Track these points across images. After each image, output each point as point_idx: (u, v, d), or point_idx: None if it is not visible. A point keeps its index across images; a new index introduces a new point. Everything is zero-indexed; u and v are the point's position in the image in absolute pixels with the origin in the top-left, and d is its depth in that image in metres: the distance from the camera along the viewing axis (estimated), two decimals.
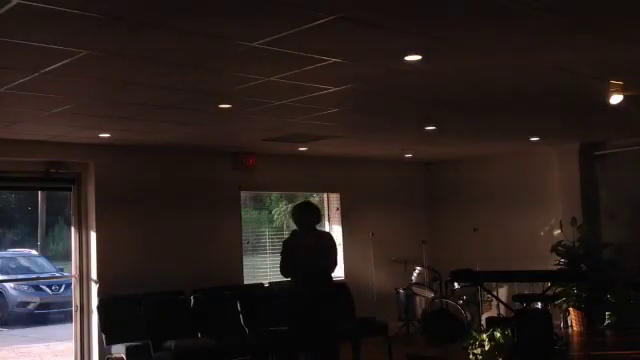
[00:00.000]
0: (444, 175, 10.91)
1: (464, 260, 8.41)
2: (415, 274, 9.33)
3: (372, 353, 8.04)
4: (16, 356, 9.84)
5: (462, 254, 9.38)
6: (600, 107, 6.25)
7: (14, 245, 14.02)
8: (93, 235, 7.73)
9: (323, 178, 9.80)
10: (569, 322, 7.36)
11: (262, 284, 8.79)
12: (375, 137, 8.15)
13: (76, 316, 7.75)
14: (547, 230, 9.36)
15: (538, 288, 7.55)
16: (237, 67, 4.58)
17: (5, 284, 12.48)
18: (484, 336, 4.41)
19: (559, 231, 8.25)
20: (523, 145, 9.19)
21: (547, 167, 9.56)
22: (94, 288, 7.67)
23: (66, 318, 9.76)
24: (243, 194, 9.15)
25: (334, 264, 6.41)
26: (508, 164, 10.05)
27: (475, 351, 4.39)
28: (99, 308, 7.46)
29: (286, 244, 6.36)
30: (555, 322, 5.57)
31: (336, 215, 10.09)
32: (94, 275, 7.68)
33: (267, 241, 9.59)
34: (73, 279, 7.84)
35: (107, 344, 7.29)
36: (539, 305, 6.88)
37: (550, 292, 6.54)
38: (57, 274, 12.46)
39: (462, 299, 8.70)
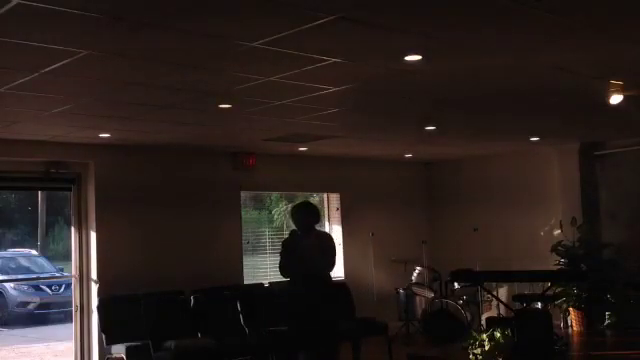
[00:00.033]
0: (444, 175, 10.91)
1: (464, 260, 8.41)
2: (415, 274, 9.33)
3: (372, 353, 8.04)
4: (16, 356, 9.84)
5: (462, 254, 9.38)
6: (600, 107, 6.25)
7: (14, 245, 14.02)
8: (93, 235, 7.73)
9: (323, 178, 9.80)
10: (569, 322, 7.36)
11: (262, 284, 8.79)
12: (375, 137, 8.15)
13: (76, 316, 7.75)
14: (547, 230, 9.36)
15: (538, 288, 7.55)
16: (237, 67, 4.58)
17: (5, 284, 12.48)
18: (484, 336, 4.41)
19: (559, 231, 8.25)
20: (523, 145, 9.19)
21: (547, 167, 9.56)
22: (94, 288, 7.67)
23: (66, 318, 9.76)
24: (243, 194, 9.15)
25: (332, 264, 6.42)
26: (508, 164, 10.05)
27: (475, 351, 4.39)
28: (99, 308, 7.46)
29: (285, 244, 6.36)
30: (555, 322, 5.57)
31: (336, 215, 10.09)
32: (94, 275, 7.68)
33: (267, 241, 9.59)
34: (73, 279, 7.84)
35: (107, 344, 7.29)
36: (539, 305, 6.88)
37: (550, 292, 6.53)
38: (57, 274, 12.46)
39: (462, 299, 8.70)
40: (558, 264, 8.01)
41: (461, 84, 5.39)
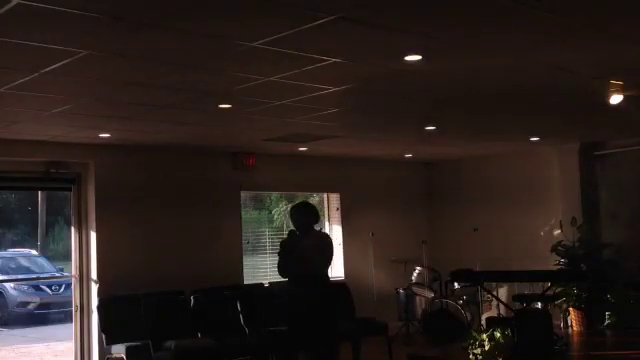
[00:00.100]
0: (444, 175, 10.91)
1: (464, 260, 8.41)
2: (415, 274, 9.33)
3: (372, 353, 8.04)
4: (16, 356, 9.84)
5: (462, 254, 9.38)
6: (600, 107, 6.25)
7: (14, 245, 14.02)
8: (93, 235, 7.73)
9: (323, 178, 9.80)
10: (569, 322, 7.35)
11: (262, 284, 8.79)
12: (375, 137, 8.15)
13: (76, 316, 7.75)
14: (547, 230, 9.36)
15: (538, 288, 7.54)
16: (237, 67, 4.58)
17: (5, 284, 12.48)
18: (484, 336, 4.41)
19: (559, 231, 8.24)
20: (523, 145, 9.19)
21: (547, 167, 9.56)
22: (94, 288, 7.67)
23: (66, 318, 9.76)
24: (243, 194, 9.15)
25: (328, 263, 6.42)
26: (508, 164, 10.05)
27: (475, 351, 4.39)
28: (99, 308, 7.46)
29: (283, 244, 6.35)
30: (555, 322, 5.56)
31: (336, 215, 10.08)
32: (94, 275, 7.68)
33: (267, 241, 9.59)
34: (73, 279, 7.84)
35: (107, 344, 7.29)
36: (539, 305, 6.87)
37: (550, 292, 6.52)
38: (57, 274, 12.46)
39: (462, 299, 8.70)
40: (558, 264, 8.00)
41: (461, 84, 5.39)
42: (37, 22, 3.50)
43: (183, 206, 8.30)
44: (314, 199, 10.20)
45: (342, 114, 6.43)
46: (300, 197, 9.83)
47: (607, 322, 6.81)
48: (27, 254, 13.40)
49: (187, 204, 8.34)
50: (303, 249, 6.20)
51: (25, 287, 12.44)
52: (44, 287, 12.24)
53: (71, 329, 7.85)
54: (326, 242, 6.46)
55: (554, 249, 8.07)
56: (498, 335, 4.35)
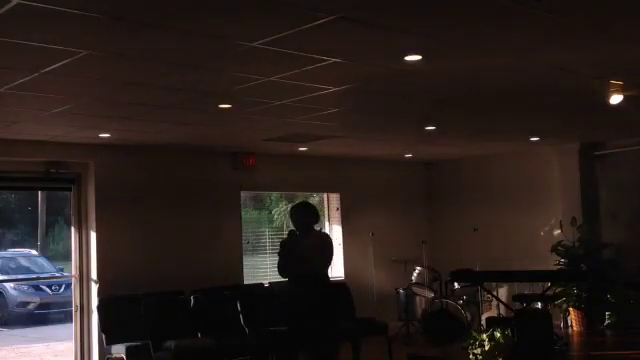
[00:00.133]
0: (444, 175, 10.91)
1: (464, 260, 8.41)
2: (415, 274, 9.33)
3: (372, 353, 8.04)
4: (16, 356, 9.84)
5: (462, 254, 9.38)
6: (600, 107, 6.25)
7: (14, 245, 14.02)
8: (93, 235, 7.73)
9: (323, 178, 9.80)
10: (569, 322, 7.35)
11: (262, 284, 8.79)
12: (375, 137, 8.15)
13: (76, 316, 7.75)
14: (547, 230, 9.36)
15: (538, 288, 7.54)
16: (237, 67, 4.58)
17: (5, 284, 12.48)
18: (484, 336, 4.41)
19: (559, 231, 8.24)
20: (523, 145, 9.19)
21: (547, 167, 9.56)
22: (94, 288, 7.67)
23: (66, 318, 9.76)
24: (243, 194, 9.15)
25: (328, 263, 6.42)
26: (508, 164, 10.05)
27: (475, 351, 4.39)
28: (99, 308, 7.46)
29: (283, 244, 6.35)
30: (555, 322, 5.56)
31: (336, 215, 10.09)
32: (94, 275, 7.68)
33: (267, 241, 9.59)
34: (73, 279, 7.84)
35: (107, 344, 7.29)
36: (539, 305, 6.87)
37: (550, 292, 6.52)
38: (57, 274, 12.46)
39: (462, 299, 8.70)
40: (558, 264, 8.01)
41: (461, 84, 5.39)
42: (37, 22, 3.50)
43: (183, 206, 8.30)
44: (314, 199, 10.20)
45: (342, 114, 6.43)
46: (300, 197, 9.83)
47: (607, 322, 6.81)
48: (27, 254, 13.40)
49: (187, 204, 8.34)
50: (303, 249, 6.20)
51: (25, 287, 12.44)
52: (44, 287, 12.24)
53: (71, 329, 7.85)
54: (326, 242, 6.46)
55: (554, 249, 8.07)
56: (498, 335, 4.35)
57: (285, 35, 3.81)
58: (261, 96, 5.47)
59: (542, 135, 8.42)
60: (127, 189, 7.90)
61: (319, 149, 8.82)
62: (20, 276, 12.71)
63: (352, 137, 8.00)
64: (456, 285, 8.80)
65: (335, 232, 9.99)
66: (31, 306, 12.33)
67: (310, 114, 6.33)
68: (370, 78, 5.00)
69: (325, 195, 10.19)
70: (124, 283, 7.56)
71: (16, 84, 4.74)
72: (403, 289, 9.38)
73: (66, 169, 7.70)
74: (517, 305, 6.55)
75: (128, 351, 7.05)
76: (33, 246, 13.99)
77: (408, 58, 4.41)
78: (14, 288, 12.43)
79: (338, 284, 8.92)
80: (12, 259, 12.99)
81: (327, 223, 10.09)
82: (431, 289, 9.08)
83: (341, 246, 9.91)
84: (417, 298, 9.36)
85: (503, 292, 9.05)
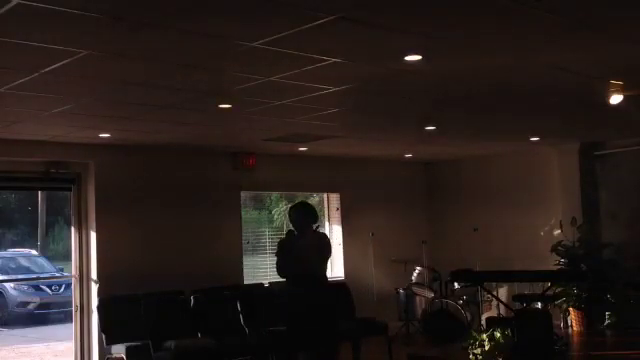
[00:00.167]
0: (444, 175, 10.92)
1: (464, 260, 8.42)
2: (415, 274, 9.33)
3: (372, 353, 8.04)
4: (16, 356, 9.84)
5: (462, 254, 9.38)
6: (600, 107, 6.25)
7: (14, 245, 14.01)
8: (93, 235, 7.73)
9: (323, 178, 9.80)
10: (569, 322, 7.35)
11: (262, 284, 8.79)
12: (375, 137, 8.15)
13: (76, 316, 7.75)
14: (547, 230, 9.36)
15: (538, 288, 7.54)
16: (237, 67, 4.58)
17: (5, 284, 12.48)
18: (484, 336, 4.41)
19: (559, 231, 8.25)
20: (523, 145, 9.19)
21: (547, 167, 9.56)
22: (94, 288, 7.67)
23: (66, 318, 9.76)
24: (243, 194, 9.15)
25: (327, 263, 6.42)
26: (508, 164, 10.05)
27: (475, 351, 4.39)
28: (99, 308, 7.46)
29: (282, 244, 6.36)
30: (555, 322, 5.56)
31: (336, 215, 10.09)
32: (94, 275, 7.68)
33: (267, 241, 9.59)
34: (73, 279, 7.84)
35: (107, 344, 7.29)
36: (539, 305, 6.87)
37: (550, 292, 6.52)
38: (57, 274, 12.45)
39: (462, 299, 8.70)
40: (558, 264, 8.01)
41: (461, 84, 5.39)
42: (37, 22, 3.50)
43: (183, 206, 8.30)
44: (314, 199, 10.20)
45: (342, 114, 6.43)
46: (300, 197, 9.83)
47: (607, 322, 6.81)
48: (27, 254, 13.40)
49: (187, 204, 8.34)
50: (301, 249, 6.20)
51: (25, 287, 12.44)
52: (44, 287, 12.24)
53: (71, 329, 7.85)
54: (324, 242, 6.45)
55: (554, 249, 8.07)
56: (498, 335, 4.35)
57: (285, 35, 3.81)
58: (261, 96, 5.47)
59: (542, 135, 8.42)
60: (127, 189, 7.91)
61: (319, 149, 8.81)
62: (20, 276, 12.71)
63: (352, 137, 8.00)
64: (456, 285, 8.80)
65: (335, 232, 9.99)
66: (31, 306, 12.33)
67: (310, 114, 6.33)
68: (370, 78, 5.00)
69: (325, 195, 10.19)
70: (124, 283, 7.56)
71: (16, 84, 4.74)
72: (403, 289, 9.38)
73: (66, 169, 7.70)
74: (517, 305, 6.56)
75: (128, 351, 7.05)
76: (33, 246, 13.99)
77: (408, 58, 4.41)
78: (14, 288, 12.43)
79: (338, 284, 8.93)
80: (12, 259, 12.99)
81: (327, 223, 10.09)
82: (431, 289, 9.08)
83: (341, 246, 9.91)
84: (417, 298, 9.36)
85: (503, 292, 9.05)
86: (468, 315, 8.43)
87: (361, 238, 9.92)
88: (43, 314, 12.25)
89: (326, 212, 10.12)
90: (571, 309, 7.23)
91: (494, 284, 8.67)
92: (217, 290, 8.06)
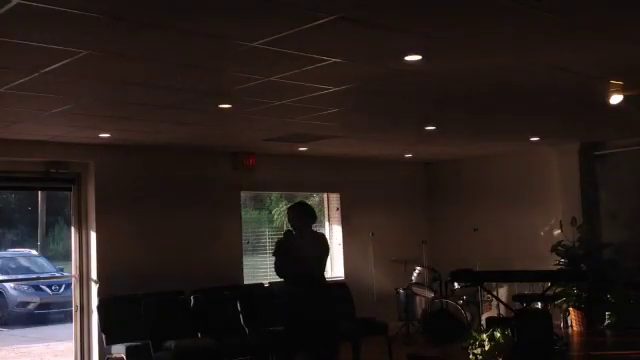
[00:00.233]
0: (444, 175, 10.92)
1: (464, 260, 8.41)
2: (415, 274, 9.33)
3: (372, 353, 8.04)
4: (16, 356, 9.84)
5: (462, 254, 9.38)
6: (600, 107, 6.25)
7: (14, 245, 14.02)
8: (93, 235, 7.73)
9: (323, 178, 9.80)
10: (569, 322, 7.35)
11: (262, 284, 8.79)
12: (375, 137, 8.15)
13: (76, 316, 7.75)
14: (547, 230, 9.36)
15: (538, 288, 7.54)
16: (237, 67, 4.58)
17: (5, 284, 12.48)
18: (484, 336, 4.41)
19: (559, 231, 8.24)
20: (523, 145, 9.19)
21: (547, 167, 9.56)
22: (94, 288, 7.67)
23: (66, 318, 9.76)
24: (243, 194, 9.15)
25: (325, 263, 6.42)
26: (508, 164, 10.05)
27: (475, 351, 4.39)
28: (99, 308, 7.46)
29: (279, 244, 6.35)
30: (555, 322, 5.56)
31: (336, 215, 10.09)
32: (94, 275, 7.68)
33: (267, 241, 9.58)
34: (73, 279, 7.84)
35: (107, 344, 7.29)
36: (539, 305, 6.87)
37: (550, 292, 6.52)
38: (57, 274, 12.46)
39: (462, 299, 8.70)
40: (558, 264, 8.01)
41: (461, 84, 5.39)
42: (37, 22, 3.50)
43: (183, 206, 8.30)
44: (314, 199, 10.20)
45: (342, 114, 6.43)
46: (300, 197, 9.82)
47: (607, 322, 6.81)
48: (27, 254, 13.40)
49: (187, 204, 8.34)
50: (299, 249, 6.19)
51: (25, 287, 12.44)
52: (44, 287, 12.24)
53: (71, 329, 7.85)
54: (322, 242, 6.45)
55: (554, 249, 8.07)
56: (498, 335, 4.35)
57: (285, 35, 3.81)
58: (261, 96, 5.47)
59: (542, 135, 8.42)
60: (127, 189, 7.91)
61: (319, 149, 8.81)
62: (20, 276, 12.71)
63: (352, 137, 8.00)
64: (456, 285, 8.80)
65: (335, 232, 9.99)
66: (31, 306, 12.33)
67: (310, 114, 6.33)
68: (370, 78, 5.00)
69: (325, 195, 10.19)
70: (124, 283, 7.56)
71: (16, 84, 4.74)
72: (403, 289, 9.38)
73: (66, 169, 7.70)
74: (517, 305, 6.56)
75: (128, 351, 7.05)
76: (33, 246, 13.99)
77: (408, 58, 4.41)
78: (14, 288, 12.43)
79: (338, 284, 8.93)
80: (12, 259, 13.00)
81: (327, 223, 10.09)
82: (431, 289, 9.08)
83: (341, 246, 9.92)
84: (417, 298, 9.36)
85: (503, 292, 9.05)
86: (468, 315, 8.43)
87: (361, 238, 9.92)
88: (43, 314, 12.25)
89: (326, 212, 10.12)
90: (571, 309, 7.22)
91: (494, 284, 8.67)
92: (217, 290, 8.06)
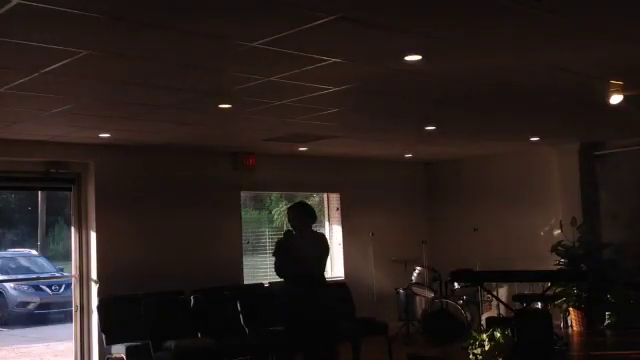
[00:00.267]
0: (444, 175, 10.91)
1: (464, 260, 8.41)
2: (415, 274, 9.33)
3: (372, 353, 8.04)
4: (16, 356, 9.84)
5: (462, 254, 9.38)
6: (600, 107, 6.25)
7: (14, 245, 14.02)
8: (93, 235, 7.73)
9: (323, 178, 9.80)
10: (569, 322, 7.35)
11: (262, 284, 8.79)
12: (375, 137, 8.15)
13: (76, 316, 7.75)
14: (547, 230, 9.36)
15: (538, 288, 7.54)
16: (237, 67, 4.58)
17: (5, 284, 12.48)
18: (484, 336, 4.41)
19: (559, 231, 8.25)
20: (523, 145, 9.19)
21: (547, 167, 9.56)
22: (94, 288, 7.67)
23: (66, 318, 9.76)
24: (243, 194, 9.15)
25: (325, 263, 6.42)
26: (508, 164, 10.05)
27: (475, 351, 4.39)
28: (99, 308, 7.46)
29: (279, 244, 6.36)
30: (555, 322, 5.56)
31: (336, 215, 10.08)
32: (94, 275, 7.68)
33: (267, 241, 9.58)
34: (73, 279, 7.84)
35: (107, 344, 7.29)
36: (539, 305, 6.87)
37: (550, 292, 6.52)
38: (57, 274, 12.46)
39: (462, 299, 8.70)
40: (558, 264, 8.01)
41: (461, 84, 5.39)
42: (37, 22, 3.50)
43: (183, 206, 8.30)
44: (314, 199, 10.20)
45: (342, 114, 6.43)
46: (300, 197, 9.82)
47: (607, 322, 6.81)
48: (27, 254, 13.40)
49: (187, 204, 8.34)
50: (299, 249, 6.20)
51: (25, 287, 12.44)
52: (44, 287, 12.24)
53: (71, 329, 7.85)
54: (322, 242, 6.45)
55: (554, 249, 8.07)
56: (498, 335, 4.35)
57: (285, 35, 3.81)
58: (261, 96, 5.47)
59: (542, 135, 8.42)
60: (127, 189, 7.91)
61: (319, 149, 8.81)
62: (20, 276, 12.71)
63: (352, 137, 8.00)
64: (456, 285, 8.80)
65: (335, 232, 9.99)
66: (31, 306, 12.33)
67: (310, 114, 6.33)
68: (370, 78, 5.00)
69: (325, 195, 10.19)
70: (124, 283, 7.56)
71: (16, 84, 4.74)
72: (403, 289, 9.38)
73: (66, 169, 7.70)
74: (517, 305, 6.56)
75: (128, 351, 7.05)
76: (33, 246, 13.99)
77: (408, 58, 4.41)
78: (14, 288, 12.43)
79: (338, 284, 8.93)
80: (12, 259, 12.99)
81: (327, 223, 10.09)
82: (431, 289, 9.08)
83: (341, 246, 9.91)
84: (417, 298, 9.36)
85: (503, 292, 9.05)
86: (468, 315, 8.43)
87: (361, 238, 9.92)
88: (43, 314, 12.25)
89: (326, 212, 10.12)
90: (571, 309, 7.23)
91: (494, 284, 8.67)
92: (217, 290, 8.06)
